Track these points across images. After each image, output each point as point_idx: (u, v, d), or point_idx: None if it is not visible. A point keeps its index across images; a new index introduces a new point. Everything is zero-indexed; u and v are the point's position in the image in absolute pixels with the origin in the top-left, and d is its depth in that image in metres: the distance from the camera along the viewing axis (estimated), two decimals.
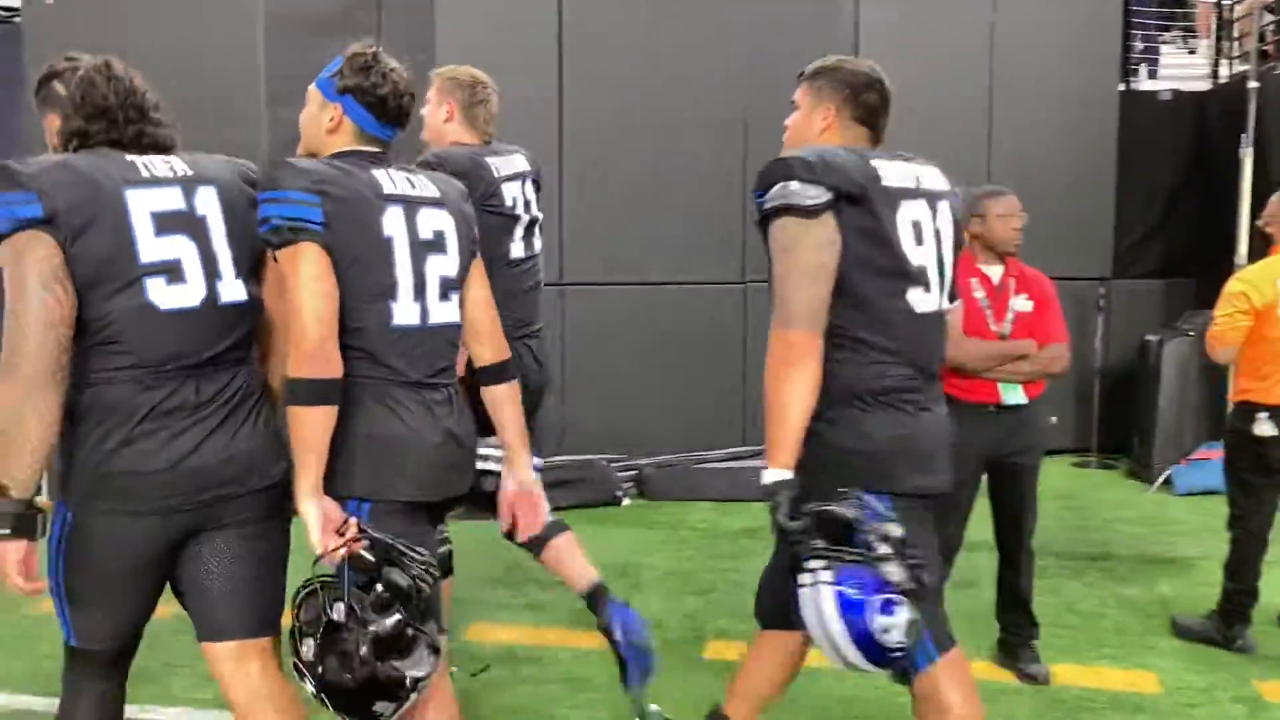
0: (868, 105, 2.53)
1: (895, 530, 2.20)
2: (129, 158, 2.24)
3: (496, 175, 3.32)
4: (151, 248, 2.19)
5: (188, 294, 2.23)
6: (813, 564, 2.20)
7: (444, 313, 2.40)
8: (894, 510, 2.25)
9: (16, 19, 6.46)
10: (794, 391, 2.30)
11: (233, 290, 2.30)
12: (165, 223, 2.21)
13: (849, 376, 2.38)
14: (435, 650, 2.18)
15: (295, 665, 2.17)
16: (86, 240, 2.11)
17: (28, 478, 2.09)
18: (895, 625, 2.15)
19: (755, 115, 6.51)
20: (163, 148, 2.30)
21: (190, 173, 2.30)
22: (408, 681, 2.13)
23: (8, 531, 2.10)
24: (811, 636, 2.25)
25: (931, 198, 2.49)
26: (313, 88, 2.44)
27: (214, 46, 5.88)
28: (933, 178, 2.52)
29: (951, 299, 2.57)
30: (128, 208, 2.17)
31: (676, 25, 6.64)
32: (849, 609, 2.16)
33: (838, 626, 2.17)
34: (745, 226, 6.88)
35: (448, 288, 2.41)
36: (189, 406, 2.23)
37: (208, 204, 2.29)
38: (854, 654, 2.19)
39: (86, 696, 2.37)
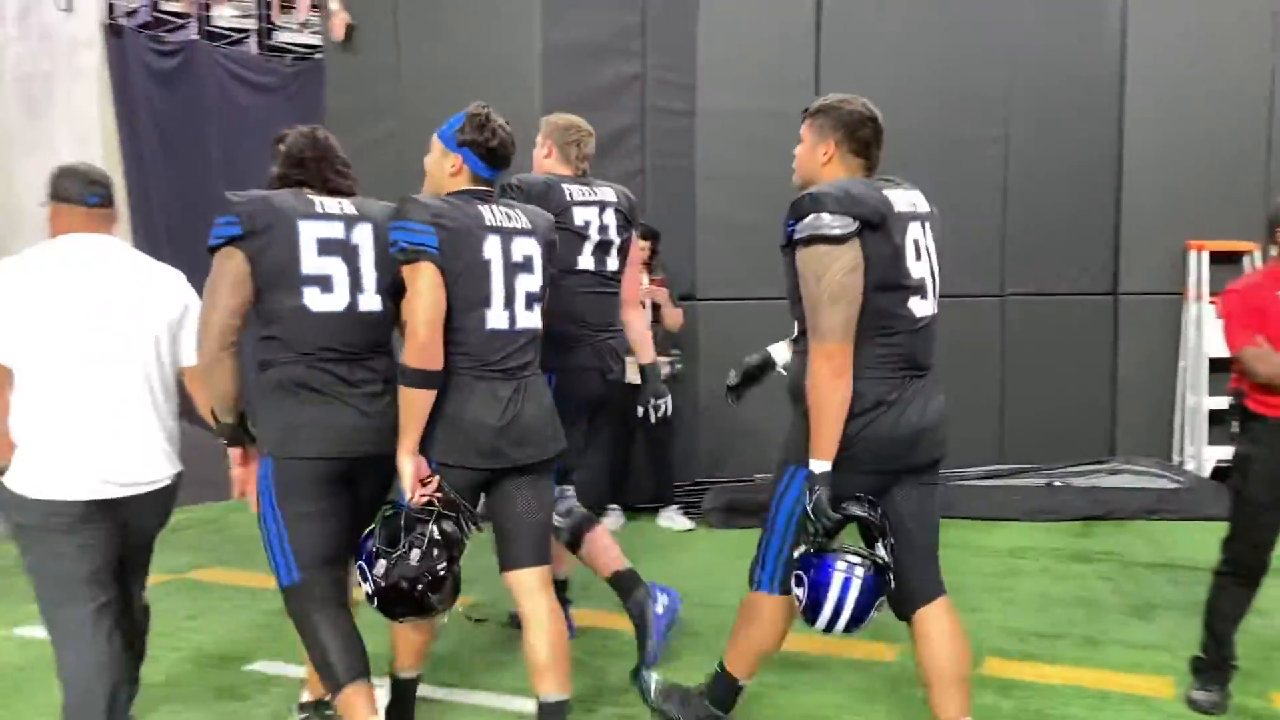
0: (863, 140, 2.97)
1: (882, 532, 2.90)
2: (311, 196, 3.08)
3: (569, 199, 3.93)
4: (312, 264, 3.02)
5: (334, 301, 3.06)
6: (851, 558, 2.84)
7: (528, 320, 3.15)
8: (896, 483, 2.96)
9: (318, 55, 7.11)
10: (838, 396, 2.79)
11: (371, 302, 3.11)
12: (325, 247, 3.05)
13: (868, 379, 2.85)
14: (457, 587, 3.04)
15: (360, 569, 3.04)
16: (266, 254, 2.97)
17: (226, 409, 3.07)
18: (876, 616, 2.90)
19: (1017, 131, 6.37)
20: (341, 193, 3.13)
21: (354, 212, 3.11)
22: (431, 602, 2.99)
23: (225, 440, 3.16)
24: (804, 600, 2.87)
25: (924, 219, 2.95)
26: (436, 139, 3.15)
27: (494, 71, 6.25)
28: (921, 201, 2.98)
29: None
30: (299, 233, 3.00)
31: (937, 41, 6.58)
32: (864, 597, 2.83)
33: (850, 608, 2.84)
34: (1004, 240, 6.74)
35: (532, 300, 3.16)
36: (343, 384, 3.07)
37: (363, 237, 3.11)
38: (844, 626, 2.87)
39: (322, 621, 3.07)
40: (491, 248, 3.06)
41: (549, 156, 4.14)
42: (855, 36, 6.50)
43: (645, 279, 6.09)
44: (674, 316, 6.18)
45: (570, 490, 4.14)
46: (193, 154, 8.20)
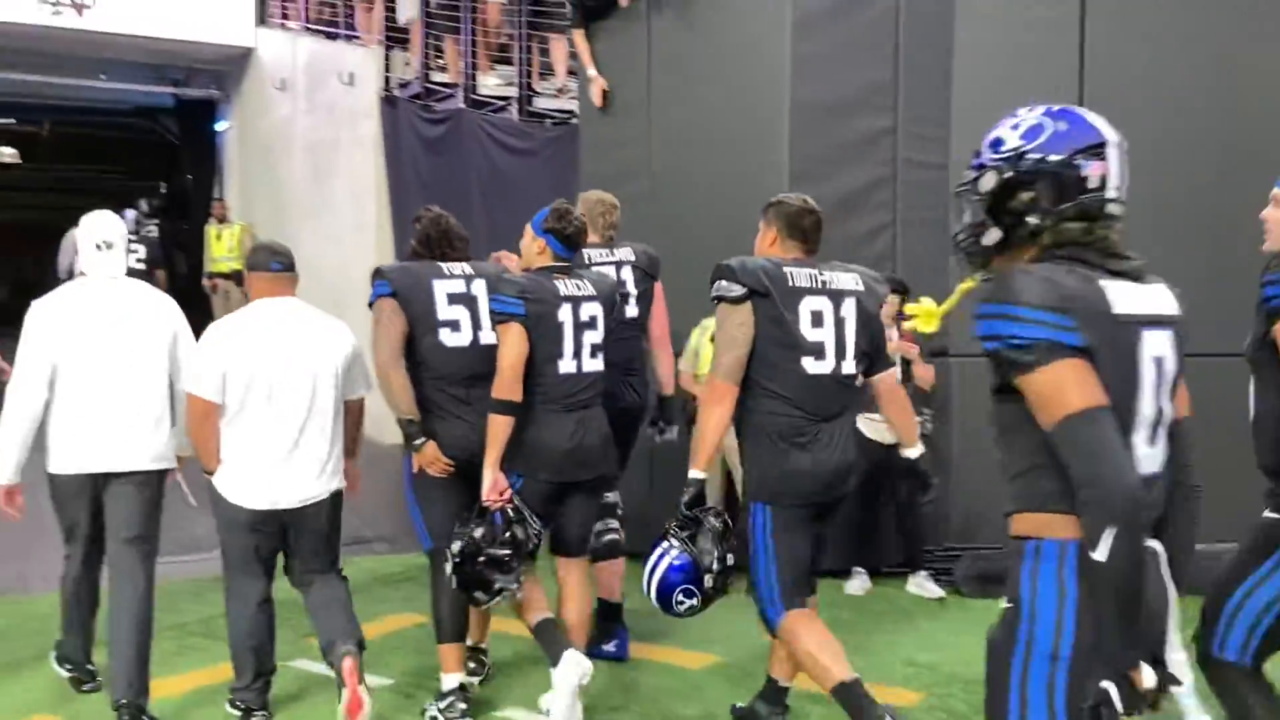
0: (800, 228, 3.84)
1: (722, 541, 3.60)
2: (440, 264, 4.31)
3: (589, 262, 4.65)
4: (444, 312, 4.21)
5: (462, 339, 4.24)
6: (675, 543, 3.58)
7: (592, 365, 4.11)
8: (789, 514, 3.62)
9: (574, 120, 7.38)
10: (715, 421, 3.59)
11: (489, 337, 4.19)
12: (453, 299, 4.24)
13: (761, 416, 3.62)
14: (518, 580, 3.95)
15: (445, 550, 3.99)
16: (410, 306, 4.19)
17: (404, 410, 4.16)
18: (686, 603, 3.61)
19: None
20: (459, 259, 4.37)
21: (471, 272, 4.34)
22: (497, 587, 3.92)
23: (406, 436, 4.22)
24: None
25: (845, 295, 3.71)
26: (529, 226, 4.15)
27: (743, 130, 6.31)
28: (852, 281, 3.77)
29: (872, 368, 3.83)
30: (433, 290, 4.21)
31: (1216, 85, 6.15)
32: (671, 575, 3.58)
33: (657, 580, 3.60)
34: None
35: (595, 350, 4.12)
36: (461, 403, 4.22)
37: (479, 290, 4.27)
38: (653, 596, 3.64)
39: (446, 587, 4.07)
40: (564, 313, 4.02)
41: None
42: (1124, 82, 6.16)
43: (894, 334, 5.95)
44: (925, 373, 5.99)
45: (614, 523, 4.97)
46: (457, 214, 8.64)
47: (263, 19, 12.96)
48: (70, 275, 4.91)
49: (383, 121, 9.78)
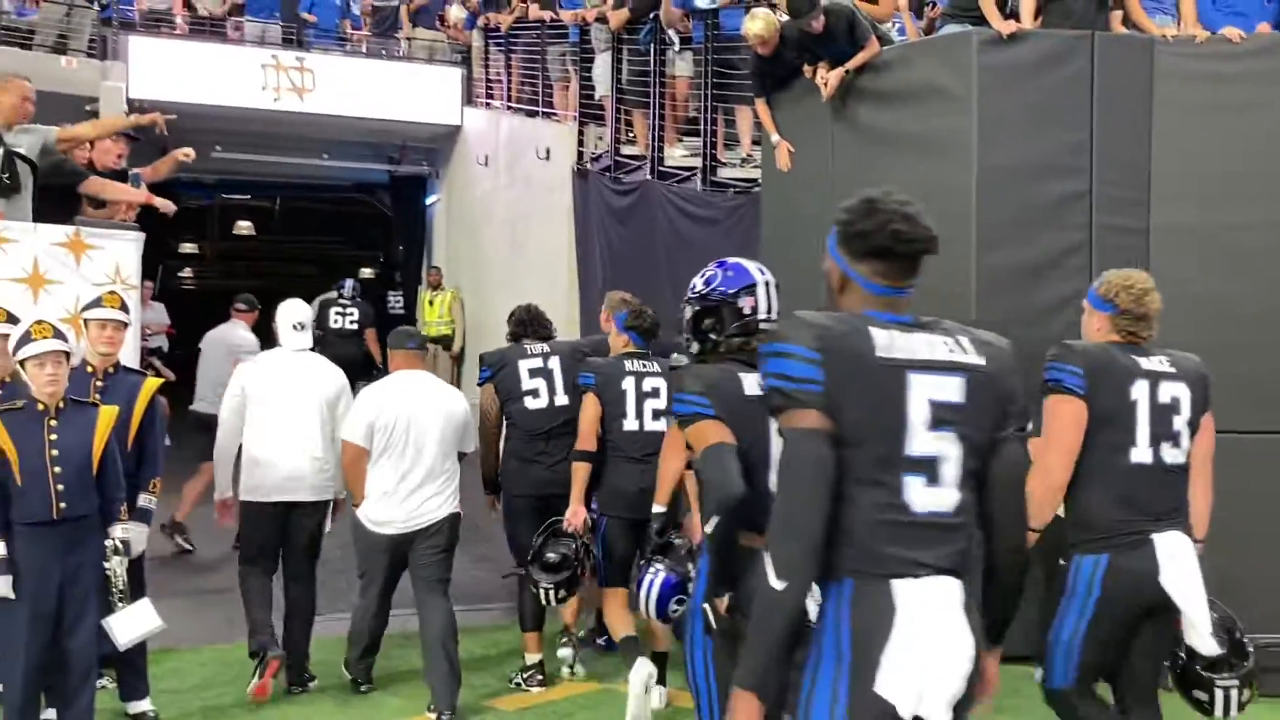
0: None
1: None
2: (525, 345, 5.75)
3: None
4: (528, 383, 5.57)
5: (541, 401, 5.61)
6: (657, 564, 4.05)
7: (653, 425, 5.16)
8: None
9: (756, 189, 7.41)
10: (671, 466, 4.28)
11: (561, 400, 5.59)
12: (533, 373, 5.61)
13: None
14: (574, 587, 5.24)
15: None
16: (502, 383, 5.62)
17: (487, 468, 5.87)
18: (679, 609, 3.97)
19: None
20: (544, 339, 5.80)
21: (550, 350, 5.69)
22: (543, 586, 5.18)
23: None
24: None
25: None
26: (612, 322, 5.45)
27: (926, 196, 6.12)
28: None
29: None
30: (520, 368, 5.62)
31: None
32: (664, 591, 4.00)
33: (655, 597, 4.01)
34: None
35: (657, 414, 5.13)
36: (543, 453, 5.55)
37: (554, 364, 5.63)
38: (653, 612, 4.05)
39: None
40: (629, 384, 5.19)
41: (608, 323, 5.66)
42: None
43: None
44: None
45: None
46: (642, 280, 8.81)
47: (469, 99, 13.64)
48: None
49: (574, 193, 10.08)
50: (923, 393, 2.31)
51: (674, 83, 8.64)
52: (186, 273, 23.86)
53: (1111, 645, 3.58)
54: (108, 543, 4.36)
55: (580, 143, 10.22)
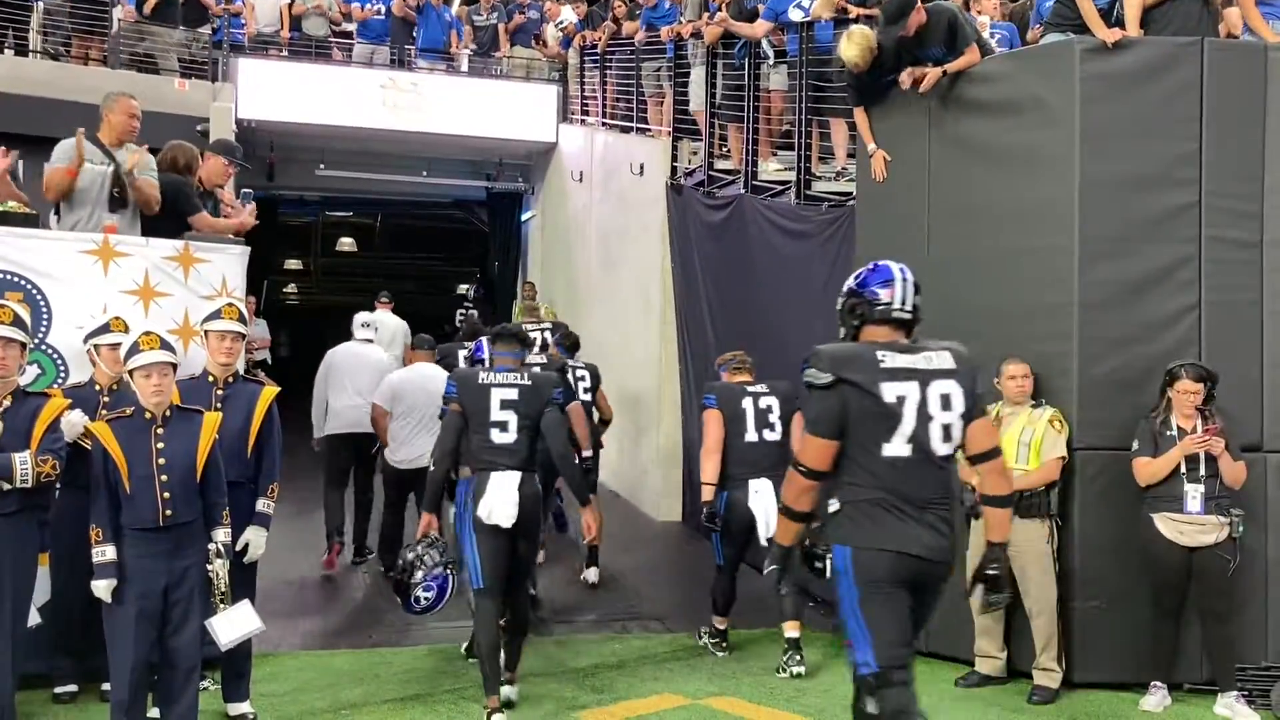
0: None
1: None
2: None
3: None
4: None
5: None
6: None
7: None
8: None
9: (851, 202, 7.31)
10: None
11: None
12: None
13: None
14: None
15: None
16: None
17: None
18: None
19: None
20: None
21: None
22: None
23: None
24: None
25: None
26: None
27: (1026, 208, 6.04)
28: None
29: None
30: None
31: None
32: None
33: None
34: None
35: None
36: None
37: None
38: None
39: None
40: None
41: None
42: None
43: (1198, 425, 5.45)
44: (1234, 471, 5.43)
45: None
46: (736, 294, 8.78)
47: (564, 116, 13.78)
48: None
49: (668, 208, 10.09)
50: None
51: (768, 96, 8.60)
52: (290, 288, 24.54)
53: None
54: (211, 546, 4.49)
55: (674, 158, 10.23)
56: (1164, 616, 5.58)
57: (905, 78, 6.51)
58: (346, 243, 24.22)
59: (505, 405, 5.31)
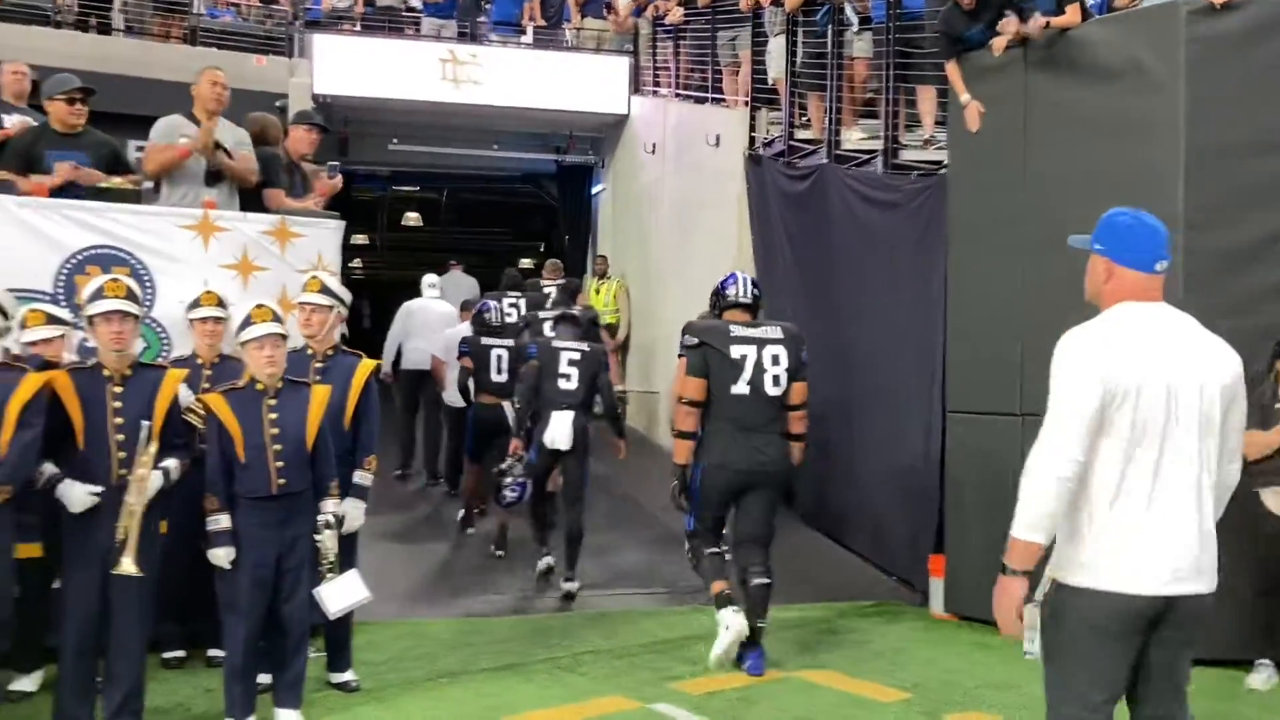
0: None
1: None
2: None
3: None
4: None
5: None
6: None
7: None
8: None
9: (942, 170, 7.20)
10: None
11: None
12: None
13: None
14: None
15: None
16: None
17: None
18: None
19: None
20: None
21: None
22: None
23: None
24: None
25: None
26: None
27: (1129, 176, 5.90)
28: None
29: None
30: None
31: None
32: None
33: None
34: None
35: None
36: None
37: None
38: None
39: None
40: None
41: None
42: None
43: None
44: None
45: None
46: (819, 266, 8.70)
47: (636, 88, 13.70)
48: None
49: (747, 180, 10.00)
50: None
51: (852, 64, 8.48)
52: (356, 263, 24.75)
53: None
54: (320, 517, 4.55)
55: (752, 128, 10.13)
56: (1270, 593, 5.47)
57: (999, 41, 6.39)
58: (412, 217, 24.32)
59: (570, 364, 7.16)
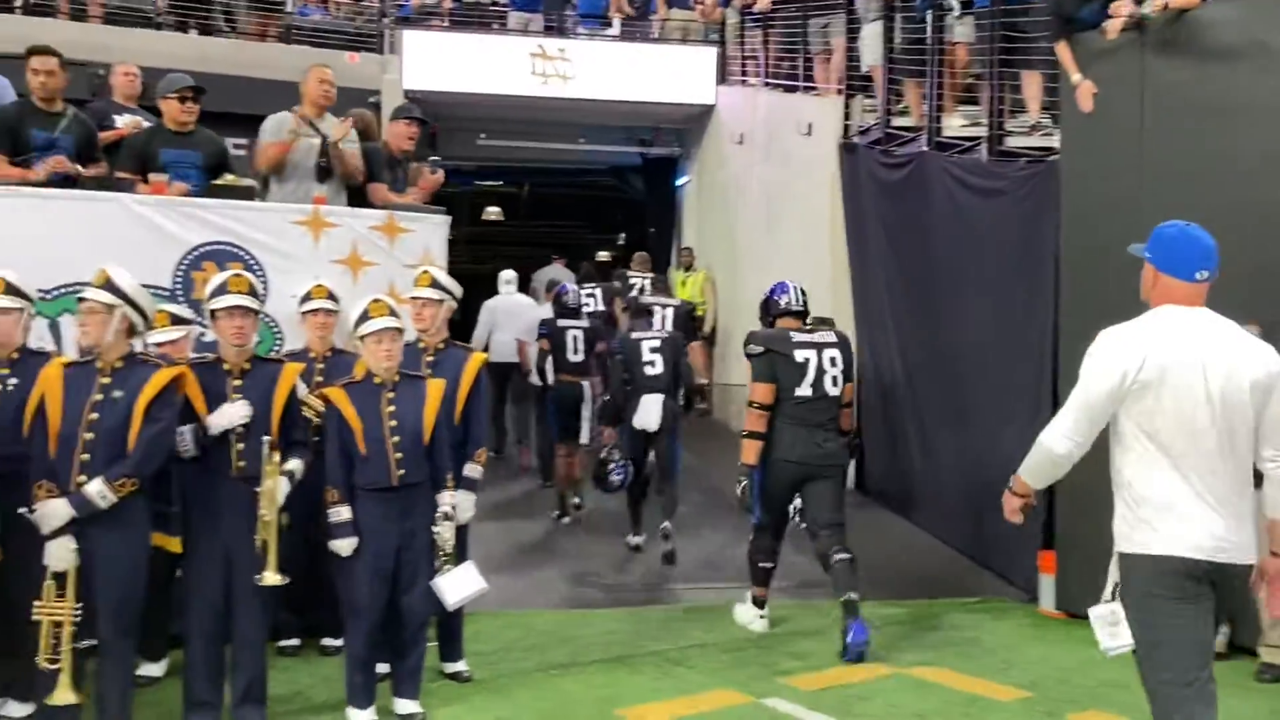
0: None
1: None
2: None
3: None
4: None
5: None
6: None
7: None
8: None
9: (1052, 157, 7.02)
10: None
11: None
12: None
13: None
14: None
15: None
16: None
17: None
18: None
19: None
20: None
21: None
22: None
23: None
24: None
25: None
26: None
27: (1257, 161, 5.71)
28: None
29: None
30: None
31: None
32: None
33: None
34: None
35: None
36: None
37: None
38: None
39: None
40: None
41: None
42: None
43: None
44: None
45: None
46: (917, 256, 8.55)
47: (723, 78, 13.62)
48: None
49: (841, 169, 9.87)
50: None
51: (952, 49, 8.30)
52: None
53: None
54: (440, 509, 4.59)
55: (846, 116, 9.99)
56: None
57: (1114, 24, 6.21)
58: (493, 211, 24.47)
59: (652, 351, 7.65)
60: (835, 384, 5.92)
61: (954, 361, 7.96)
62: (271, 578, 4.30)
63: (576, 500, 8.73)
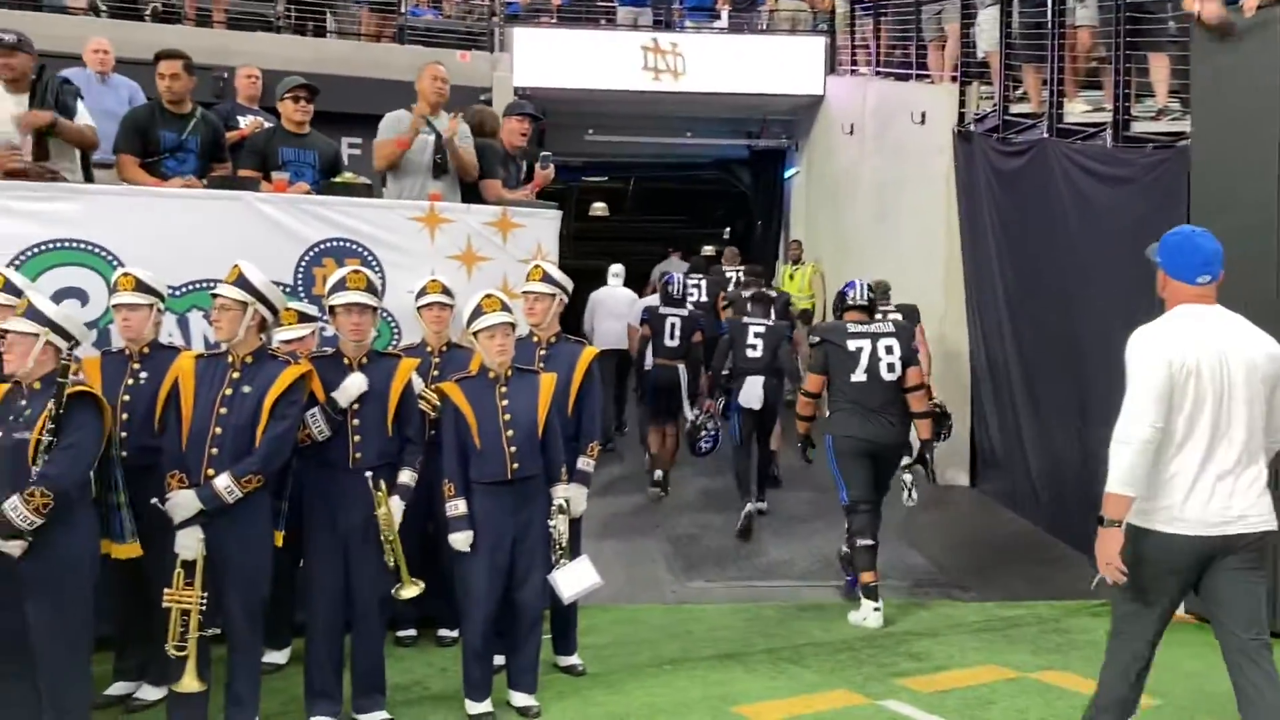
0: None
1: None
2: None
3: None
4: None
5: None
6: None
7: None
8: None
9: (1182, 143, 6.74)
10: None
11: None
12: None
13: None
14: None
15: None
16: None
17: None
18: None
19: None
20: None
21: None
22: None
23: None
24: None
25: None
26: None
27: None
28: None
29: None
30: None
31: None
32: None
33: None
34: None
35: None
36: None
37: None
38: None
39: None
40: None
41: None
42: None
43: None
44: None
45: None
46: (1038, 245, 8.30)
47: (832, 68, 13.43)
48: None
49: (956, 157, 9.64)
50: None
51: (1074, 33, 8.02)
52: None
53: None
54: (555, 502, 4.60)
55: (961, 104, 9.75)
56: None
57: (1252, 1, 5.90)
58: (599, 207, 24.57)
59: (757, 336, 8.37)
60: (892, 370, 6.34)
61: (1075, 355, 7.70)
62: (409, 589, 4.45)
63: (660, 476, 9.18)
